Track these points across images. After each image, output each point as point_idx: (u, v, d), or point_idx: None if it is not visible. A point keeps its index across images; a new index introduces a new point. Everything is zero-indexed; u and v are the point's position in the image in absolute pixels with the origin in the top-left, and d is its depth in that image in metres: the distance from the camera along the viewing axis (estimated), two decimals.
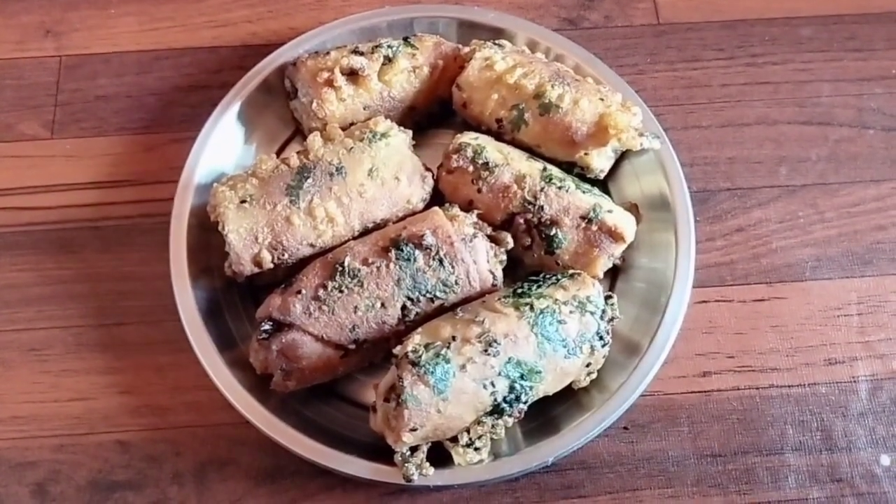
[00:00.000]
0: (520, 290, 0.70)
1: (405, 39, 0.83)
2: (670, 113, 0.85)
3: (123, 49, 0.94)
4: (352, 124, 0.80)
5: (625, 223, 0.75)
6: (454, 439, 0.67)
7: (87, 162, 0.87)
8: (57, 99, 0.91)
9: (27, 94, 0.91)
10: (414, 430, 0.64)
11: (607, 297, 0.72)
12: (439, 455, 0.68)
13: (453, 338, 0.65)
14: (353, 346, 0.70)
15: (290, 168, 0.75)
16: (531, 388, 0.67)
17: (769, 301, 0.82)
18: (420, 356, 0.64)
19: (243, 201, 0.73)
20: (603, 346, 0.70)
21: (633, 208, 0.80)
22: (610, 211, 0.74)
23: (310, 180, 0.74)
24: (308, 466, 0.71)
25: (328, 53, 0.81)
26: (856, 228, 0.85)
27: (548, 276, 0.72)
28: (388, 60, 0.80)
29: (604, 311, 0.70)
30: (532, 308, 0.68)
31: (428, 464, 0.67)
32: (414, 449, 0.67)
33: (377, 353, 0.73)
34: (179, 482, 0.74)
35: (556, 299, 0.69)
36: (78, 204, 0.85)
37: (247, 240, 0.72)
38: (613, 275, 0.80)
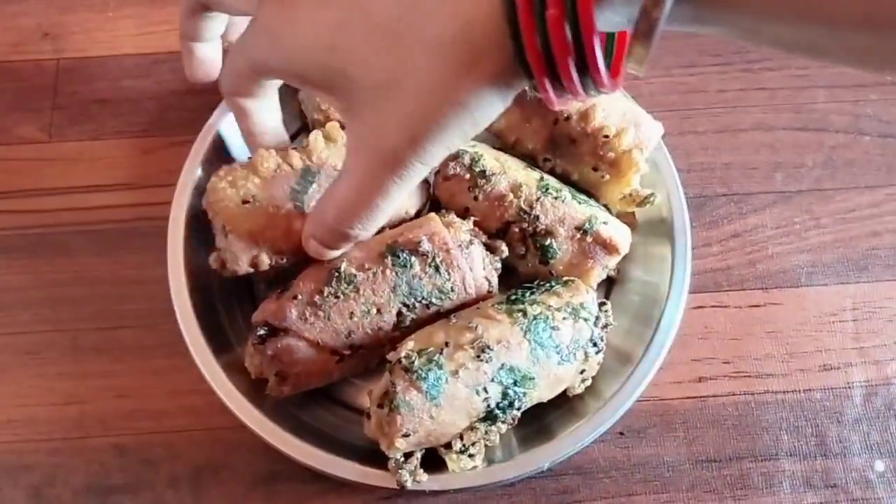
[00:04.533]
0: (513, 297, 0.70)
1: None
2: (667, 118, 0.85)
3: (121, 52, 0.94)
4: None
5: (620, 235, 0.74)
6: (448, 445, 0.67)
7: (85, 165, 0.87)
8: (54, 102, 0.91)
9: (24, 96, 0.91)
10: (407, 435, 0.64)
11: (601, 304, 0.72)
12: (434, 460, 0.68)
13: (446, 343, 0.65)
14: (348, 352, 0.70)
15: (294, 169, 0.74)
16: (524, 394, 0.67)
17: (765, 307, 0.82)
18: (413, 362, 0.64)
19: (245, 202, 0.72)
20: (597, 352, 0.70)
21: (628, 214, 0.80)
22: (605, 222, 0.74)
23: (314, 185, 0.73)
24: (304, 471, 0.71)
25: None
26: (851, 234, 0.86)
27: (542, 282, 0.72)
28: None
29: (597, 318, 0.70)
30: (525, 314, 0.67)
31: (422, 470, 0.67)
32: (408, 455, 0.67)
33: (373, 358, 0.73)
34: (175, 486, 0.74)
35: (550, 305, 0.69)
36: (75, 207, 0.85)
37: (247, 241, 0.71)
38: (608, 286, 0.80)
